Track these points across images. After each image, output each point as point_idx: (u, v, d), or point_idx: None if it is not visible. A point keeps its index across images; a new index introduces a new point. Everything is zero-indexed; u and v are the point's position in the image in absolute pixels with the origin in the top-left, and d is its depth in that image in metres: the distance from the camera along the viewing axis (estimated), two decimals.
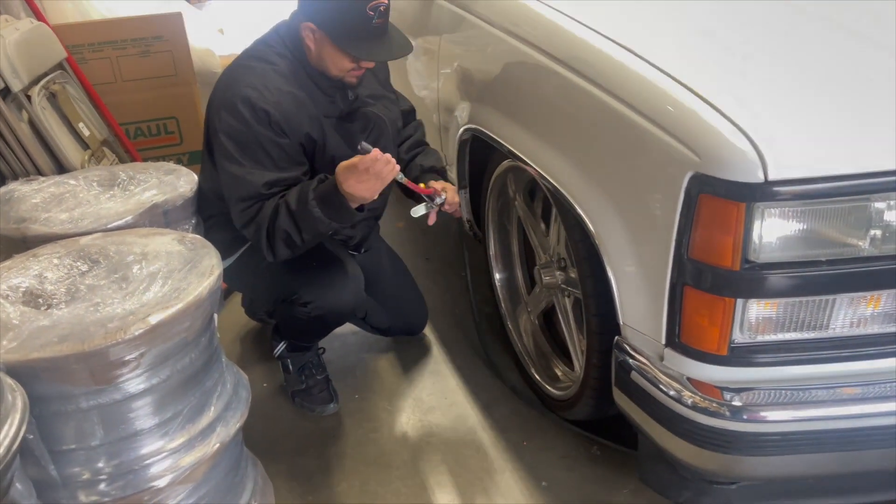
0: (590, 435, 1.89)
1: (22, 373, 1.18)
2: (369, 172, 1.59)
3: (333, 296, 1.83)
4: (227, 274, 1.92)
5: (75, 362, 1.22)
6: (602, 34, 1.47)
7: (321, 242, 1.84)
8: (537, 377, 2.03)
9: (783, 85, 1.29)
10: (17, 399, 1.10)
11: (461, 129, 1.99)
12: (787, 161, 1.11)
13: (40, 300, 1.39)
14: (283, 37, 1.77)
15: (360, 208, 1.68)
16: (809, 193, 1.11)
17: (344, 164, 1.62)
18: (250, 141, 1.66)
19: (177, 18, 2.75)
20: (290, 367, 2.08)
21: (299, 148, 1.74)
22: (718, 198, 1.14)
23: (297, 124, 1.71)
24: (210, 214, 1.92)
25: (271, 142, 1.67)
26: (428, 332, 2.38)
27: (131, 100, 2.76)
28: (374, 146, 1.64)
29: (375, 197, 1.65)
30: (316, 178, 1.68)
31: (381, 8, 1.65)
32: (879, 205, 1.12)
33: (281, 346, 2.07)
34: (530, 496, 1.75)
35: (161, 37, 2.71)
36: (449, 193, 1.88)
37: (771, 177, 1.10)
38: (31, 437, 1.21)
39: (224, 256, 1.88)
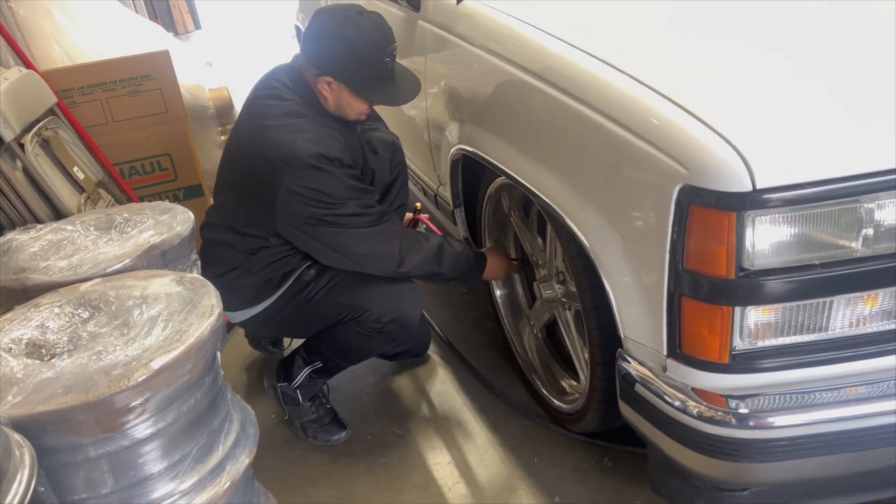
0: (601, 442, 1.89)
1: (29, 426, 1.18)
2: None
3: (405, 306, 1.90)
4: (260, 319, 1.95)
5: (81, 413, 1.22)
6: (582, 49, 1.48)
7: None
8: (544, 391, 2.03)
9: (766, 90, 1.29)
10: (25, 454, 1.10)
11: (452, 150, 2.00)
12: (774, 168, 1.11)
13: (43, 351, 1.39)
14: (294, 88, 1.82)
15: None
16: (798, 199, 1.11)
17: (501, 267, 2.04)
18: (340, 185, 1.75)
19: (164, 56, 2.76)
20: (301, 397, 2.07)
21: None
22: (709, 208, 1.15)
23: (354, 157, 1.83)
24: (249, 252, 1.91)
25: (355, 177, 1.80)
26: (432, 352, 2.38)
27: (124, 139, 2.77)
28: (391, 165, 2.03)
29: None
30: (473, 252, 1.97)
31: (394, 52, 1.77)
32: (869, 205, 1.12)
33: (304, 373, 2.05)
34: None
35: (149, 75, 2.72)
36: None
37: (759, 185, 1.10)
38: (42, 489, 1.21)
39: (254, 303, 1.92)
